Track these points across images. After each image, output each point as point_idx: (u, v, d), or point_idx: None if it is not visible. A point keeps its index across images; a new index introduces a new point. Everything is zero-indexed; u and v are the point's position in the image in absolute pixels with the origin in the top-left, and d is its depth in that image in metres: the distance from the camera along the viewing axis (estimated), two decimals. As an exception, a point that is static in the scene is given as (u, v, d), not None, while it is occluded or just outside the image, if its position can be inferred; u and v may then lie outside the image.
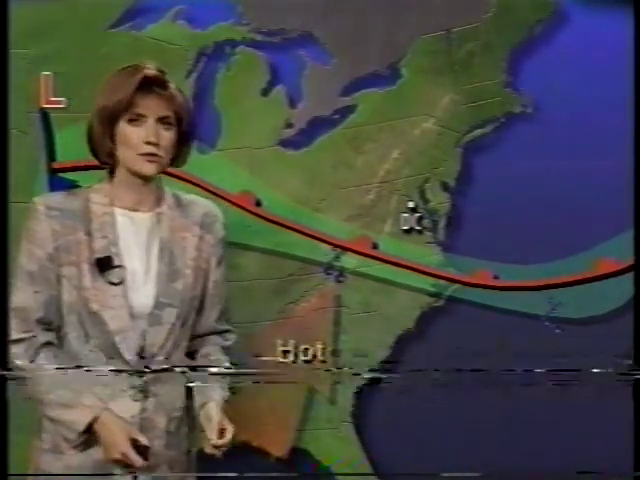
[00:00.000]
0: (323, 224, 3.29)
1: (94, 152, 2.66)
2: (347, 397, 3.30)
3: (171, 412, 2.64)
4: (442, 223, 3.29)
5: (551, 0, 3.24)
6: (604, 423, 3.22)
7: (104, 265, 2.58)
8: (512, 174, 3.25)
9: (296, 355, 3.27)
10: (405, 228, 3.29)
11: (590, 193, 3.25)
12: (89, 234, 2.58)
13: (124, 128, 2.59)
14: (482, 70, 3.25)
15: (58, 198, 2.64)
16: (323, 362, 3.28)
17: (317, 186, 3.28)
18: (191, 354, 2.76)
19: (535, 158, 3.25)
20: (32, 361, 2.55)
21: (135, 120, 2.59)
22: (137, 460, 2.51)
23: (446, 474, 3.08)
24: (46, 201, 2.62)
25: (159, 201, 2.69)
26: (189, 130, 2.70)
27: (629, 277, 3.24)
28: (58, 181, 3.25)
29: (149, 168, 2.61)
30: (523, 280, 3.26)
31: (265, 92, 3.27)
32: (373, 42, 3.25)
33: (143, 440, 2.53)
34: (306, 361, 3.28)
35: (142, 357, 2.59)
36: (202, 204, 2.77)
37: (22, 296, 2.57)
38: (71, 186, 3.23)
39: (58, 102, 3.22)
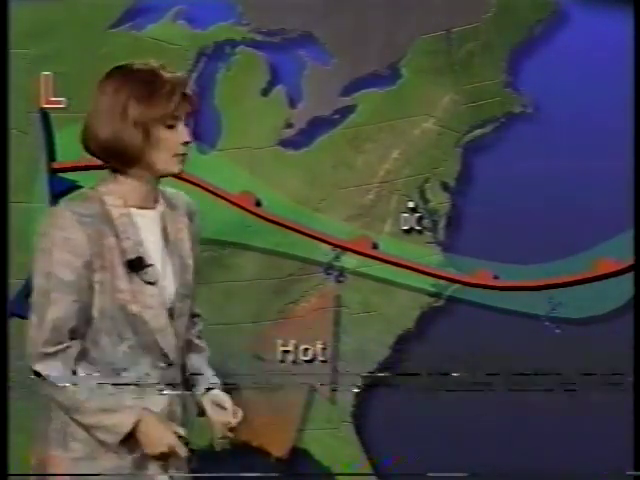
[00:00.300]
0: (323, 224, 3.29)
1: (117, 157, 2.62)
2: (347, 397, 3.31)
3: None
4: (442, 223, 3.29)
5: (551, 0, 3.24)
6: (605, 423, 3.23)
7: (137, 266, 2.57)
8: (512, 174, 3.25)
9: (296, 355, 3.28)
10: (405, 228, 3.29)
11: (590, 193, 3.25)
12: (116, 237, 2.59)
13: (162, 133, 2.60)
14: (482, 70, 3.25)
15: (81, 204, 2.62)
16: (323, 362, 3.28)
17: (317, 186, 3.29)
18: None
19: (535, 158, 3.25)
20: (74, 372, 2.57)
21: (172, 125, 2.61)
22: (183, 450, 2.56)
23: (446, 474, 3.08)
24: (72, 208, 2.59)
25: (157, 197, 2.72)
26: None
27: (629, 277, 3.24)
28: (58, 181, 3.25)
29: (180, 167, 2.63)
30: (523, 280, 3.26)
31: (265, 92, 3.27)
32: (373, 42, 3.26)
33: (182, 431, 2.57)
34: (306, 361, 3.28)
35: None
36: (182, 195, 2.83)
37: (59, 307, 2.56)
38: (71, 186, 3.23)
39: (58, 102, 3.22)
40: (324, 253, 3.29)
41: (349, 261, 3.30)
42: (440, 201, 3.29)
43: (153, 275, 2.59)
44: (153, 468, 2.59)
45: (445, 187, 3.28)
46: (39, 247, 2.56)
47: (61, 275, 2.54)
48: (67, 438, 2.60)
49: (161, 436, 2.55)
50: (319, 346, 3.28)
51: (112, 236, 2.57)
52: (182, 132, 2.60)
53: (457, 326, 3.27)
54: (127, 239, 2.58)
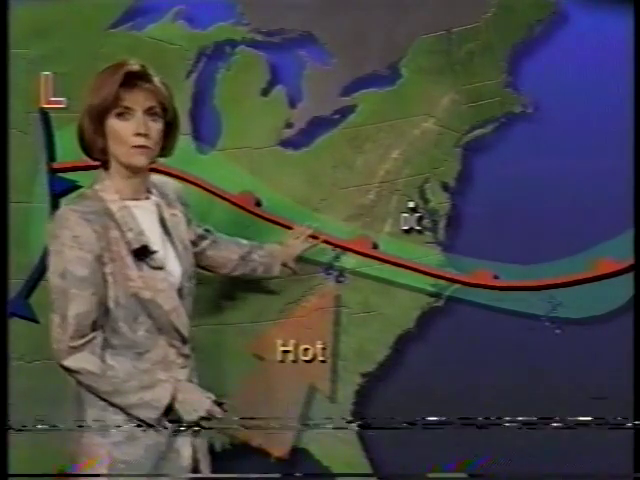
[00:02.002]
0: (323, 224, 3.29)
1: (86, 150, 2.75)
2: (347, 396, 3.31)
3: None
4: (442, 223, 3.29)
5: (551, 0, 3.24)
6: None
7: (143, 254, 2.70)
8: (512, 174, 3.25)
9: (296, 355, 3.28)
10: (405, 228, 3.29)
11: (590, 193, 3.24)
12: (119, 229, 2.67)
13: (113, 123, 2.70)
14: (482, 70, 3.25)
15: (82, 203, 2.70)
16: (323, 362, 3.28)
17: (317, 186, 3.29)
18: None
19: (535, 158, 3.25)
20: (103, 361, 2.64)
21: (123, 114, 2.70)
22: (220, 412, 2.76)
23: (446, 474, 3.08)
24: (75, 208, 2.69)
25: (149, 188, 2.79)
26: (174, 120, 2.80)
27: (629, 277, 3.24)
28: (58, 181, 3.25)
29: (140, 159, 2.72)
30: (523, 280, 3.26)
31: (265, 92, 3.27)
32: (373, 42, 3.25)
33: (213, 396, 2.78)
34: (306, 361, 3.28)
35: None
36: (170, 182, 2.94)
37: (79, 303, 2.65)
38: (71, 186, 3.23)
39: (58, 102, 3.22)
40: (324, 253, 3.29)
41: (349, 261, 3.30)
42: (440, 201, 3.29)
43: (159, 260, 2.73)
44: (186, 441, 2.75)
45: (445, 187, 3.28)
46: (51, 250, 2.65)
47: (76, 272, 2.63)
48: (107, 424, 2.70)
49: (198, 402, 2.72)
50: (319, 346, 3.28)
51: (115, 229, 2.68)
52: (136, 123, 2.66)
53: (457, 326, 3.27)
54: (129, 230, 2.69)
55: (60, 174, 3.25)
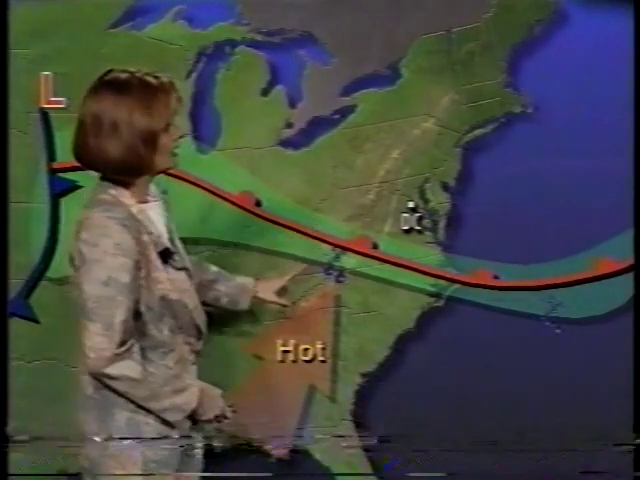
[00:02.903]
0: (323, 224, 3.29)
1: (131, 171, 2.67)
2: (347, 396, 3.31)
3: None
4: (442, 223, 3.29)
5: (551, 0, 3.24)
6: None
7: (166, 256, 2.72)
8: (512, 174, 3.25)
9: (296, 355, 3.28)
10: (405, 228, 3.29)
11: (590, 193, 3.25)
12: (148, 233, 2.67)
13: (162, 138, 2.67)
14: (482, 70, 3.25)
15: (112, 209, 2.67)
16: (323, 362, 3.28)
17: (317, 186, 3.29)
18: None
19: (535, 158, 3.24)
20: (144, 368, 2.68)
21: (169, 127, 2.68)
22: (230, 412, 2.86)
23: (446, 474, 3.08)
24: (109, 215, 2.65)
25: (148, 189, 2.80)
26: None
27: (629, 277, 3.24)
28: (58, 181, 3.25)
29: (175, 160, 2.75)
30: (523, 280, 3.26)
31: (265, 92, 3.27)
32: (373, 42, 3.25)
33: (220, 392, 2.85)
34: (306, 361, 3.28)
35: None
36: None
37: (124, 309, 2.65)
38: (71, 186, 3.23)
39: (58, 102, 3.22)
40: (324, 253, 3.29)
41: (349, 261, 3.30)
42: (440, 201, 3.29)
43: (181, 261, 2.76)
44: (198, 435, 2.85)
45: (445, 187, 3.28)
46: (89, 257, 2.62)
47: (120, 279, 2.63)
48: (139, 423, 2.72)
49: (215, 403, 2.80)
50: (319, 346, 3.28)
51: (145, 233, 2.67)
52: (176, 129, 2.68)
53: (457, 326, 3.27)
54: (153, 233, 2.67)
55: (60, 174, 3.25)
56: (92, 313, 2.61)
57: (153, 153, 2.67)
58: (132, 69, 2.69)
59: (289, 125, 3.28)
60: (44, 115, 3.24)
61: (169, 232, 2.79)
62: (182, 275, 2.74)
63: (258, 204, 3.28)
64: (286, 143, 3.28)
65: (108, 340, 2.61)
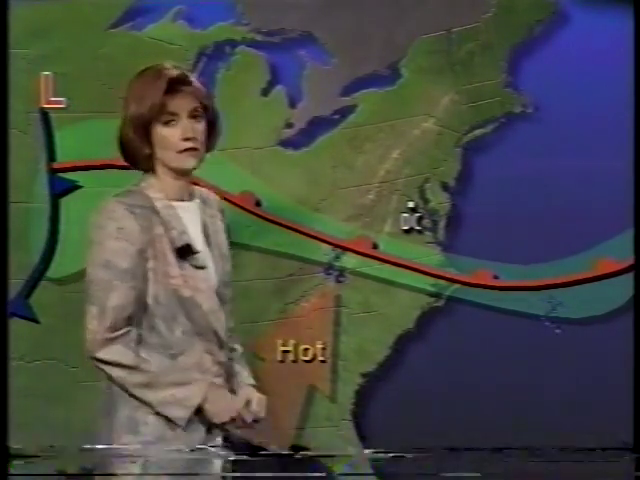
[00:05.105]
0: (323, 224, 3.29)
1: (130, 159, 2.71)
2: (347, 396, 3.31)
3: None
4: (442, 223, 3.29)
5: (551, 0, 3.24)
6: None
7: (185, 252, 2.68)
8: (512, 174, 3.25)
9: (296, 355, 3.28)
10: (405, 228, 3.29)
11: (590, 193, 3.25)
12: (164, 226, 2.67)
13: (160, 131, 2.67)
14: (482, 70, 3.26)
15: (129, 197, 2.68)
16: (323, 362, 3.28)
17: (317, 186, 3.29)
18: None
19: (535, 158, 3.25)
20: (137, 354, 2.63)
21: (169, 121, 2.65)
22: (250, 416, 2.71)
23: (446, 474, 3.08)
24: (122, 200, 2.67)
25: (192, 192, 2.78)
26: (215, 118, 2.77)
27: (629, 277, 3.25)
28: (58, 181, 3.25)
29: (191, 162, 2.70)
30: (523, 280, 3.27)
31: (265, 92, 3.27)
32: (373, 42, 3.26)
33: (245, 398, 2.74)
34: (306, 361, 3.28)
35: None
36: (211, 193, 2.90)
37: (119, 294, 2.63)
38: (71, 186, 3.23)
39: (58, 102, 3.22)
40: (324, 253, 3.30)
41: (349, 261, 3.30)
42: (440, 201, 3.29)
43: (202, 260, 2.71)
44: (217, 442, 2.72)
45: (445, 187, 3.28)
46: (94, 240, 2.64)
47: (119, 263, 2.62)
48: (138, 423, 2.66)
49: (229, 404, 2.69)
50: (319, 346, 3.28)
51: (160, 225, 2.67)
52: (183, 128, 2.65)
53: (457, 326, 3.27)
54: (173, 229, 2.68)
55: (60, 174, 3.25)
56: (92, 296, 2.62)
57: (147, 142, 2.66)
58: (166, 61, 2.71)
59: (289, 125, 3.28)
60: (44, 115, 3.24)
61: (206, 236, 2.75)
62: (199, 274, 2.69)
63: (258, 204, 3.28)
64: (286, 143, 3.28)
65: (99, 323, 2.60)
